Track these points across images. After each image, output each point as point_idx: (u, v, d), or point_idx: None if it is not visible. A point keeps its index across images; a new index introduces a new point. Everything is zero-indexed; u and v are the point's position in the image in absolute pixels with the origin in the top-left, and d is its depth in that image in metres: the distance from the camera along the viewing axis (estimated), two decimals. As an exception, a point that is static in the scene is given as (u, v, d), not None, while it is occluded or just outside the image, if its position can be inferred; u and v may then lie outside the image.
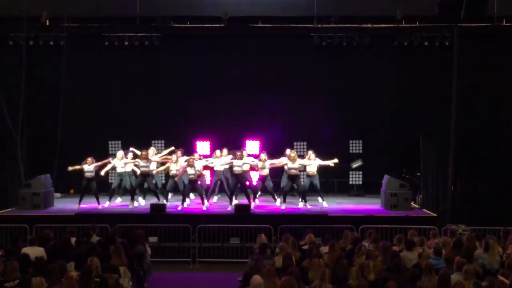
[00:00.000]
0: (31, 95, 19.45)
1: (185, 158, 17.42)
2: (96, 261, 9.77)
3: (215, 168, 17.56)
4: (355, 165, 20.45)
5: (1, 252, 11.45)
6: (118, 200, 18.26)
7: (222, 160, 17.46)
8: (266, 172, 17.34)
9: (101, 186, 18.06)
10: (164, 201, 17.13)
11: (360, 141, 20.66)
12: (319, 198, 17.70)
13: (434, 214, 16.82)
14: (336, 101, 21.13)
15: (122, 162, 17.52)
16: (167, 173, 17.98)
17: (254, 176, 18.19)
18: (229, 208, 16.88)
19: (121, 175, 17.58)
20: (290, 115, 21.11)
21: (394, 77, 20.96)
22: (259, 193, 18.25)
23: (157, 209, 16.33)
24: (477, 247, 11.36)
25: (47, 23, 19.83)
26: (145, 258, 12.29)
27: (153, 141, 20.21)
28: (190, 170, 16.72)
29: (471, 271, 9.27)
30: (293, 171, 17.04)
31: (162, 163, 17.66)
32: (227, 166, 17.42)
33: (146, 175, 17.26)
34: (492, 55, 20.29)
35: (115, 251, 10.82)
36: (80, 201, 17.26)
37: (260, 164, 17.33)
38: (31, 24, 19.11)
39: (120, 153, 17.70)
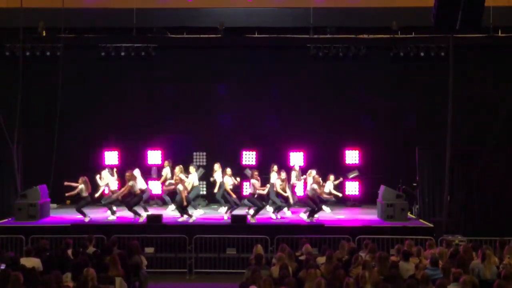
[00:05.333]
0: (28, 105, 19.44)
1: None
2: (92, 272, 9.71)
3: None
4: (351, 175, 20.44)
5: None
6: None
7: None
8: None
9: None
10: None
11: (357, 152, 20.66)
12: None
13: (431, 225, 16.84)
14: (332, 111, 21.14)
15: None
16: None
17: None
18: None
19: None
20: (286, 125, 21.09)
21: (390, 87, 21.00)
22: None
23: (153, 219, 16.29)
24: (474, 257, 11.35)
25: (44, 34, 19.87)
26: (141, 268, 12.24)
27: (149, 151, 20.21)
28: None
29: (468, 282, 9.26)
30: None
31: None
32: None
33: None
34: (487, 65, 20.35)
35: (111, 261, 10.78)
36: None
37: (278, 182, 17.20)
38: (28, 34, 19.13)
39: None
